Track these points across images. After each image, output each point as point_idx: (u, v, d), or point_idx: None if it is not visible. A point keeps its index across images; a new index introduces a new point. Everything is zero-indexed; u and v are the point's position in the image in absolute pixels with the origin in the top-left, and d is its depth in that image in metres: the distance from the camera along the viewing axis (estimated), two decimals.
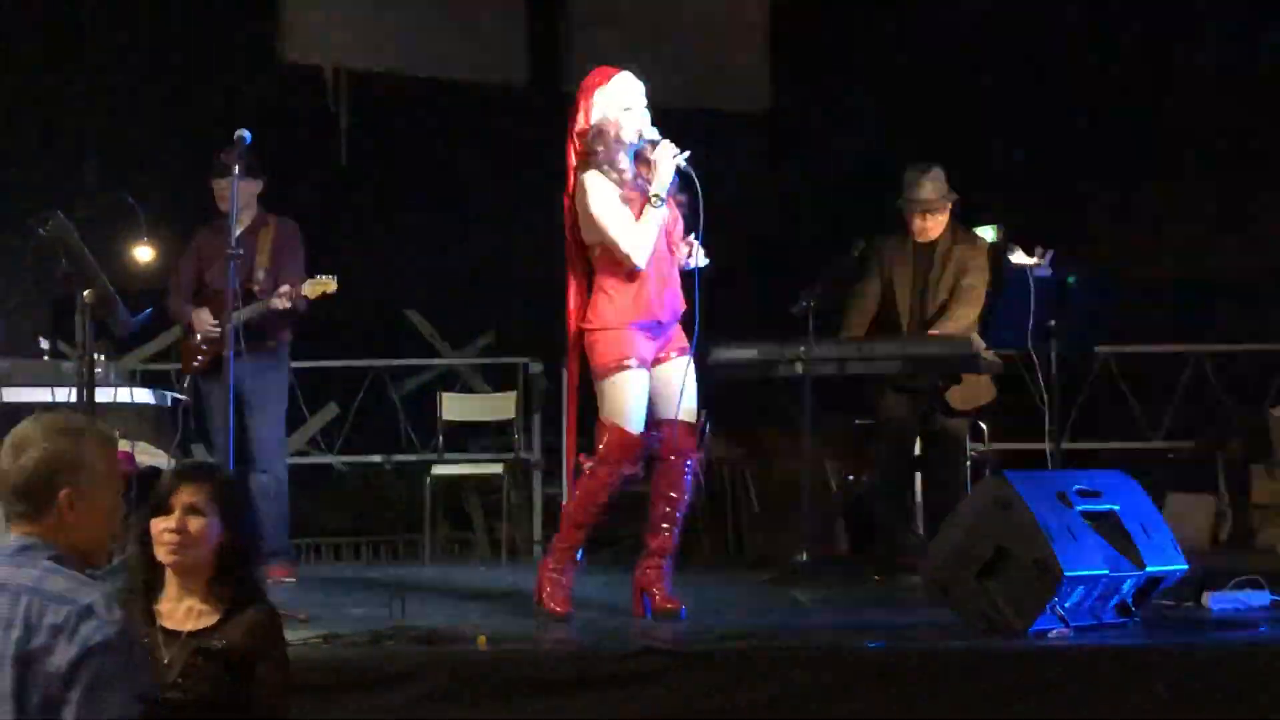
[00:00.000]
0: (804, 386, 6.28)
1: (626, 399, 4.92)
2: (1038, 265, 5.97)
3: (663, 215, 4.94)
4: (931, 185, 6.73)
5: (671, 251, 5.05)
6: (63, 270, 4.83)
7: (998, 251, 6.62)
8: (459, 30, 10.60)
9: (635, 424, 4.92)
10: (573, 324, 5.07)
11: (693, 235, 5.07)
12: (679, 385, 5.00)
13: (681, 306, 5.07)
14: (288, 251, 6.70)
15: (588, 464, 4.97)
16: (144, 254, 6.28)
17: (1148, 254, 10.36)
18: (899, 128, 10.76)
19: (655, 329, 5.00)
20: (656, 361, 5.02)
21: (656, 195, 4.90)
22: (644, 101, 5.04)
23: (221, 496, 3.26)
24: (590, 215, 4.94)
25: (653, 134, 4.98)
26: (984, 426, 7.01)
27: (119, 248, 6.20)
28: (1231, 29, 9.99)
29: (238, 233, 6.68)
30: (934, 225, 6.74)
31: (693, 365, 5.06)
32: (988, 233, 7.28)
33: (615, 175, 4.96)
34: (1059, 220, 10.19)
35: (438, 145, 10.42)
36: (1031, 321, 5.94)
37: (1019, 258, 6.02)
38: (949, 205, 6.76)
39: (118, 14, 9.54)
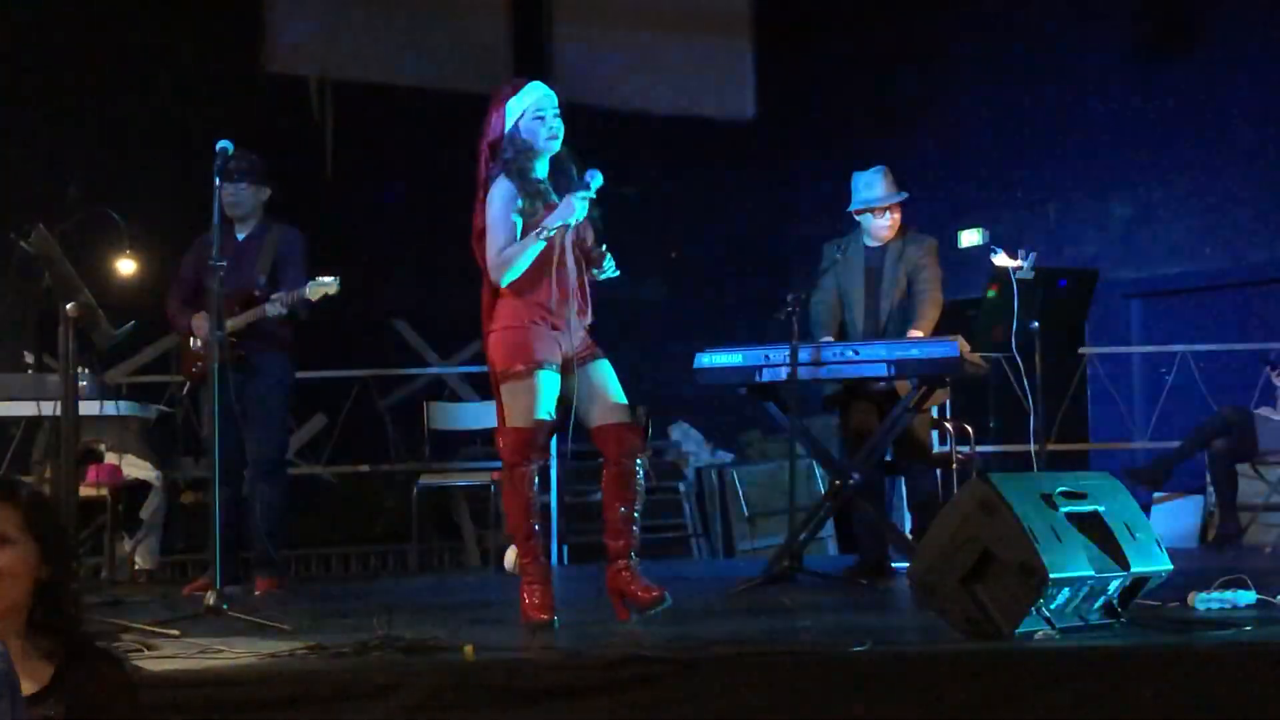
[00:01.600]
0: (790, 391, 6.29)
1: (528, 402, 4.94)
2: (1020, 267, 5.99)
3: (540, 249, 4.93)
4: (885, 183, 6.76)
5: (579, 263, 5.07)
6: (45, 284, 4.82)
7: (982, 254, 6.64)
8: (443, 40, 10.62)
9: (531, 419, 4.94)
10: (484, 328, 5.10)
11: (603, 246, 5.10)
12: (601, 388, 5.03)
13: (587, 317, 5.10)
14: (289, 259, 6.71)
15: (499, 476, 5.02)
16: (126, 267, 6.29)
17: (1126, 256, 10.39)
18: (882, 132, 10.79)
19: (560, 330, 5.00)
20: (570, 368, 5.03)
21: (546, 229, 4.93)
22: (556, 110, 5.07)
23: (34, 519, 2.68)
24: (488, 219, 4.99)
25: (553, 146, 5.01)
26: (969, 429, 7.03)
27: (102, 261, 6.21)
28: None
29: (241, 238, 6.74)
30: (888, 225, 6.77)
31: (610, 366, 5.08)
32: (973, 235, 7.31)
33: (527, 184, 5.00)
34: (1041, 223, 10.25)
35: (422, 155, 10.42)
36: (1015, 323, 5.96)
37: (1002, 260, 6.04)
38: (899, 204, 6.79)
39: (102, 27, 9.54)
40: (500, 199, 4.99)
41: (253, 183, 6.72)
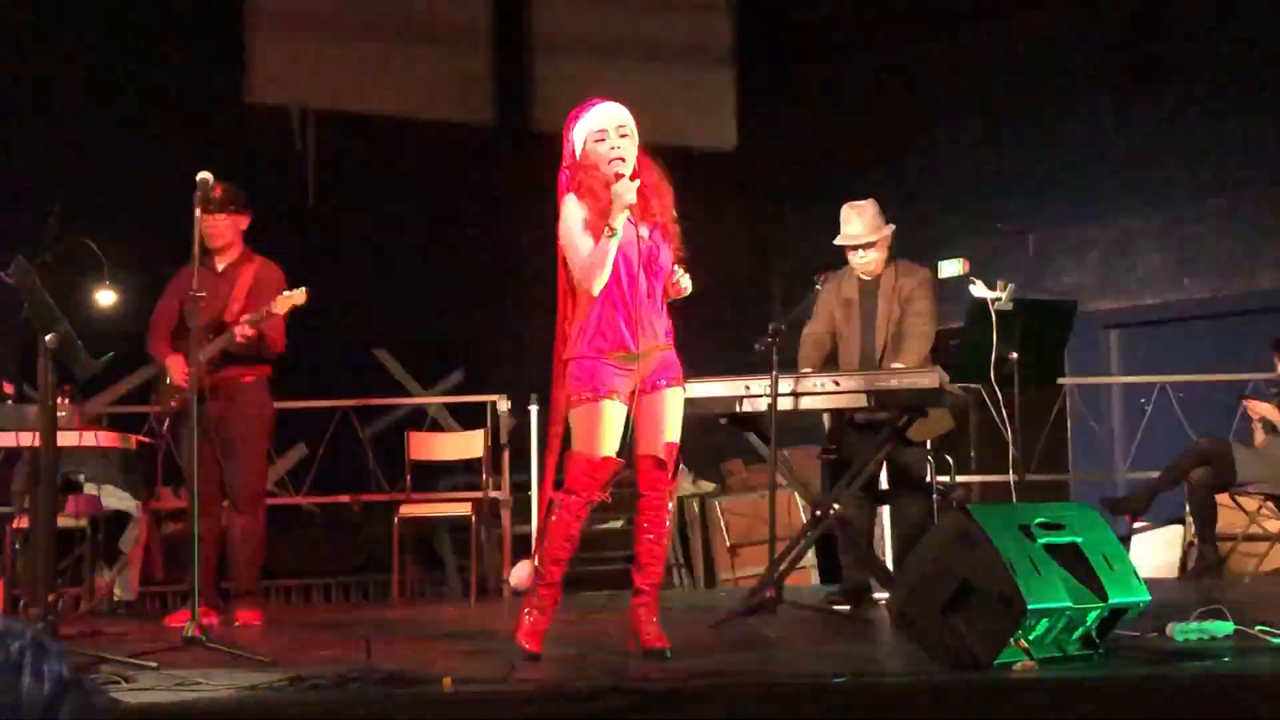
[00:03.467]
0: (770, 421, 6.30)
1: (591, 429, 4.91)
2: (999, 298, 6.01)
3: (616, 243, 4.88)
4: (863, 221, 6.76)
5: (650, 280, 5.01)
6: (24, 315, 4.81)
7: (961, 285, 6.66)
8: (425, 70, 10.64)
9: (600, 451, 4.91)
10: (557, 356, 5.07)
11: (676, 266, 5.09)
12: (657, 418, 4.99)
13: (666, 336, 5.05)
14: (266, 290, 6.70)
15: (558, 498, 4.97)
16: (106, 298, 6.29)
17: (1105, 287, 10.42)
18: (862, 162, 10.84)
19: (630, 358, 4.95)
20: (644, 391, 4.99)
21: (610, 227, 4.90)
22: (621, 128, 5.01)
23: None
24: (563, 237, 4.98)
25: (616, 167, 4.96)
26: (950, 459, 7.04)
27: (81, 291, 6.20)
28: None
29: (220, 268, 6.75)
30: (871, 260, 6.79)
31: (681, 396, 5.05)
32: (953, 266, 7.32)
33: (594, 204, 4.96)
34: (1020, 254, 10.27)
35: (404, 185, 10.44)
36: (994, 354, 5.98)
37: (980, 290, 6.06)
38: (885, 238, 6.80)
39: (83, 57, 9.54)
40: (569, 217, 4.96)
41: (231, 213, 6.73)
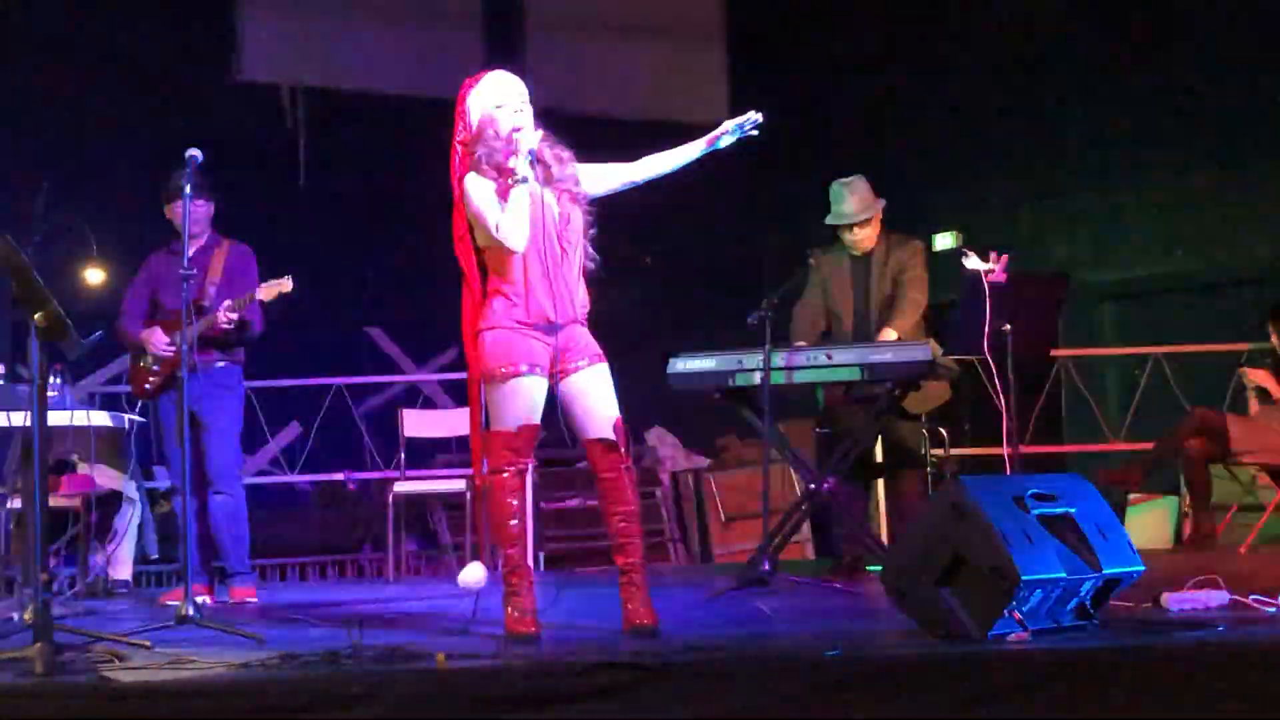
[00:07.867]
0: (763, 396, 6.29)
1: (510, 406, 4.82)
2: (992, 271, 6.00)
3: (528, 194, 4.79)
4: (854, 198, 6.76)
5: (565, 249, 4.91)
6: (12, 294, 4.78)
7: (955, 257, 6.65)
8: (416, 47, 10.61)
9: (515, 423, 4.82)
10: (467, 330, 4.95)
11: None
12: (591, 398, 4.89)
13: (582, 309, 4.95)
14: (239, 272, 6.71)
15: (487, 481, 4.89)
16: (95, 276, 6.27)
17: (1098, 258, 10.41)
18: (857, 137, 10.81)
19: (549, 330, 4.86)
20: (565, 373, 4.90)
21: (515, 174, 4.78)
22: (519, 97, 4.93)
23: None
24: (472, 213, 4.85)
25: (518, 121, 4.87)
26: (944, 432, 7.04)
27: (70, 270, 6.19)
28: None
29: (190, 252, 6.72)
30: (864, 236, 6.79)
31: (607, 371, 4.95)
32: (946, 239, 7.31)
33: (495, 174, 4.84)
34: (1013, 226, 10.25)
35: (396, 162, 10.41)
36: (987, 326, 5.97)
37: (973, 263, 6.04)
38: (877, 214, 6.79)
39: (71, 35, 9.50)
40: (474, 188, 4.82)
41: (203, 197, 6.70)
